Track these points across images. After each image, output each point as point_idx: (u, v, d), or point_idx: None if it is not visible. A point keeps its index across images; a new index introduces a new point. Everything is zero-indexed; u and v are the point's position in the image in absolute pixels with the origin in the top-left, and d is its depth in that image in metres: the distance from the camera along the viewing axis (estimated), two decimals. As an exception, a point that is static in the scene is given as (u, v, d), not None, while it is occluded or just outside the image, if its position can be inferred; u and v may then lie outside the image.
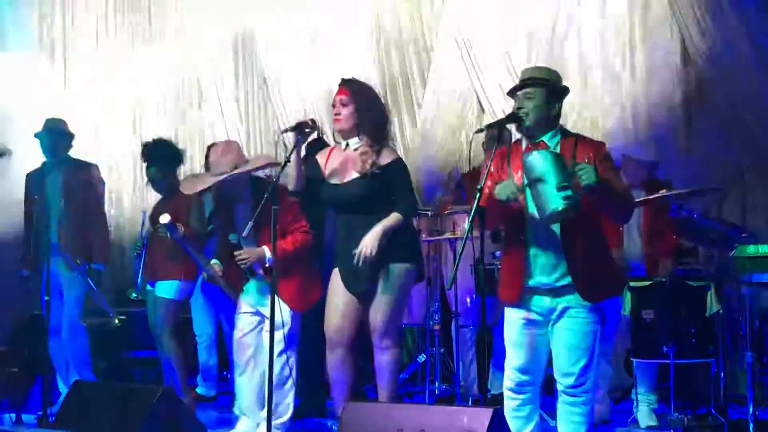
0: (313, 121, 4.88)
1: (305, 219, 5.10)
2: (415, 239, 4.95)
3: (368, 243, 4.65)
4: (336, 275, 4.87)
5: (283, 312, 4.89)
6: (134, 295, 6.04)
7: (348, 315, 4.80)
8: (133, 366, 7.41)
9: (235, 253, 5.04)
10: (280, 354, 4.94)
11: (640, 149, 6.30)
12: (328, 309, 4.87)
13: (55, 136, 6.42)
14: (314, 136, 4.94)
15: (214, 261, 5.30)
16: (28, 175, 6.52)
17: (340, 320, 4.81)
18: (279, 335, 4.89)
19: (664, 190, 5.46)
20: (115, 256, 7.16)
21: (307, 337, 5.36)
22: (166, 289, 5.87)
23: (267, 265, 4.98)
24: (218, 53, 8.96)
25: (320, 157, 4.96)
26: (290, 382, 5.02)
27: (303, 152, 4.86)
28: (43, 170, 6.41)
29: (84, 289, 6.24)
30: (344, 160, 4.82)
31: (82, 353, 6.33)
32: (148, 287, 5.95)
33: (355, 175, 4.75)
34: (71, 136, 6.52)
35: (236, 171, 5.01)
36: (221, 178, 5.00)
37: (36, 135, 6.44)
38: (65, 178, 6.36)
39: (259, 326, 5.12)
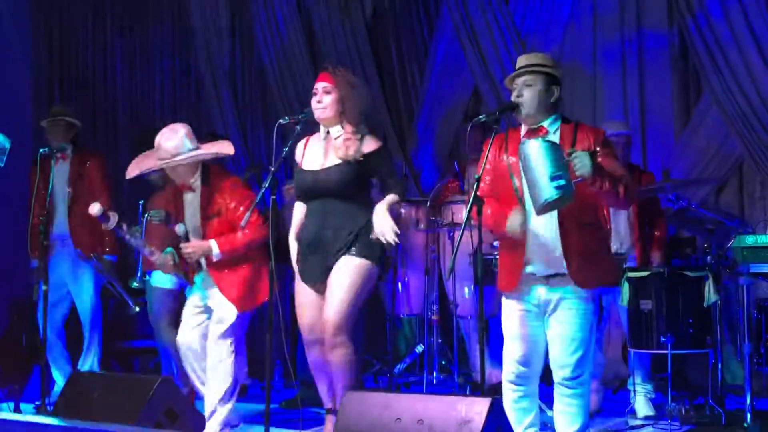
0: (310, 110, 4.82)
1: (259, 214, 4.90)
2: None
3: (384, 224, 4.44)
4: (297, 271, 4.72)
5: (229, 311, 4.85)
6: (135, 284, 6.04)
7: (317, 310, 4.61)
8: (132, 356, 7.42)
9: (181, 245, 4.91)
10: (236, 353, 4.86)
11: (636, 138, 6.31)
12: (297, 306, 4.71)
13: (58, 125, 6.40)
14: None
15: (167, 250, 5.08)
16: (33, 166, 6.46)
17: (310, 317, 4.63)
18: (221, 329, 4.86)
19: (661, 180, 5.47)
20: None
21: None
22: (163, 278, 5.88)
23: (214, 260, 4.85)
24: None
25: (298, 148, 4.83)
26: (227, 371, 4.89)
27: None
28: (49, 160, 6.34)
29: (97, 279, 6.25)
30: (324, 148, 4.69)
31: (97, 335, 6.37)
32: (147, 277, 5.95)
33: (335, 161, 4.61)
34: (76, 125, 6.50)
35: (178, 158, 4.82)
36: (163, 164, 4.82)
37: (41, 123, 6.43)
38: (72, 168, 6.34)
39: (204, 323, 5.00)
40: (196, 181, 4.98)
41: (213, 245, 4.84)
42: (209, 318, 4.98)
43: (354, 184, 4.61)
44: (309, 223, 4.68)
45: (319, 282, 4.61)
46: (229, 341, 4.88)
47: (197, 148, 4.91)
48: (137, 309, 6.25)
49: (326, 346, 4.52)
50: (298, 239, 4.73)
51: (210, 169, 5.02)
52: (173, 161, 4.84)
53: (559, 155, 3.81)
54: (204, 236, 4.91)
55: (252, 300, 4.97)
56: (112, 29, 9.52)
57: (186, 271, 5.06)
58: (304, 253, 4.67)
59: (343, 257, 4.55)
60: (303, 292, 4.68)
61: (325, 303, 4.54)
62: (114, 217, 5.08)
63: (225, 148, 5.08)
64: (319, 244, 4.60)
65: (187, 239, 4.95)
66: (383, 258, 4.67)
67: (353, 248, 4.55)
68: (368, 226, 4.57)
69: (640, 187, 5.36)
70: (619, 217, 5.57)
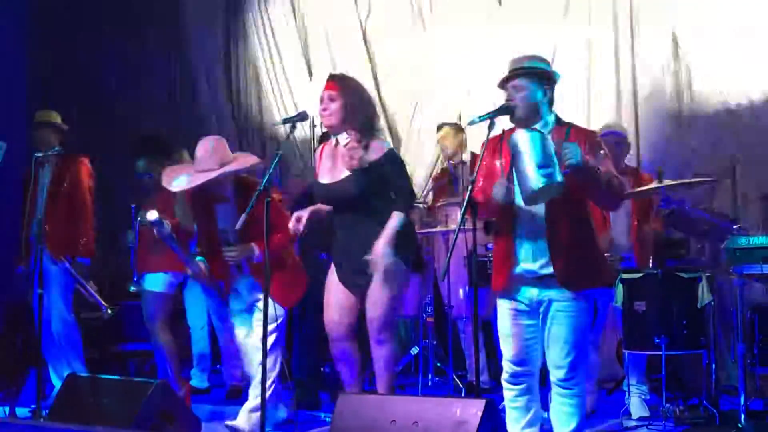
0: (305, 113, 4.87)
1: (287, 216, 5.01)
2: (411, 232, 4.93)
3: (381, 252, 4.60)
4: (333, 272, 4.87)
5: (276, 307, 4.97)
6: (132, 288, 6.03)
7: (346, 310, 4.82)
8: (127, 359, 7.41)
9: (224, 249, 5.04)
10: (273, 348, 4.98)
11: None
12: (327, 305, 4.87)
13: (44, 129, 6.39)
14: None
15: (198, 259, 5.30)
16: (27, 169, 6.42)
17: (339, 316, 4.82)
18: (269, 327, 4.91)
19: (655, 182, 5.48)
20: (109, 248, 7.12)
21: (300, 332, 5.38)
22: (154, 281, 5.89)
23: (255, 261, 4.98)
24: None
25: (316, 154, 4.96)
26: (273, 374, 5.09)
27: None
28: (35, 164, 6.37)
29: (69, 283, 6.21)
30: (334, 158, 4.79)
31: (74, 346, 6.30)
32: (141, 280, 5.95)
33: (345, 173, 4.71)
34: (61, 130, 6.49)
35: (224, 170, 4.96)
36: (211, 177, 4.94)
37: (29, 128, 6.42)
38: (54, 172, 6.33)
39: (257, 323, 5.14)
40: (227, 191, 5.07)
41: (254, 247, 4.97)
42: (252, 317, 5.15)
43: (366, 196, 4.69)
44: (338, 234, 4.86)
45: (354, 285, 4.78)
46: (274, 336, 5.05)
47: (232, 161, 5.03)
48: (110, 312, 6.22)
49: (372, 343, 4.77)
50: (331, 243, 4.91)
51: (242, 179, 5.13)
52: (222, 172, 4.93)
53: (548, 146, 3.82)
54: (242, 241, 5.01)
55: (295, 295, 5.18)
56: (107, 31, 9.52)
57: (220, 278, 5.24)
58: (338, 258, 4.85)
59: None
60: (334, 292, 4.84)
61: (368, 304, 4.73)
62: (168, 226, 5.23)
63: (256, 160, 5.23)
64: (350, 256, 4.74)
65: (161, 225, 5.13)
66: (417, 251, 4.93)
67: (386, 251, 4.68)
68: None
69: (633, 190, 5.37)
70: (619, 218, 5.60)
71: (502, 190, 3.96)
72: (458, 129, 6.79)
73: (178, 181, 5.13)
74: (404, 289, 4.92)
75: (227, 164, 5.00)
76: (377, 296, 4.73)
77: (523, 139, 3.84)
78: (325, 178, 4.82)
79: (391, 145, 4.85)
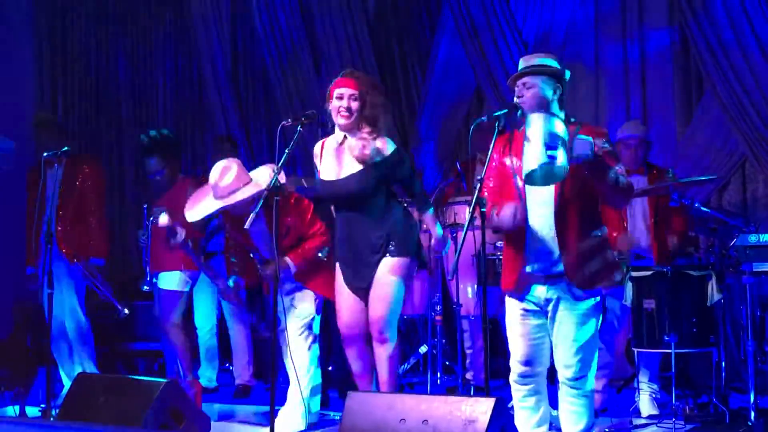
0: (313, 113, 4.84)
1: (319, 221, 5.13)
2: (414, 231, 4.90)
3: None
4: (339, 274, 4.88)
5: (311, 305, 5.12)
6: (146, 287, 6.03)
7: (356, 310, 4.84)
8: (136, 358, 7.43)
9: (260, 268, 5.13)
10: (315, 342, 5.15)
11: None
12: (338, 306, 4.91)
13: (49, 129, 6.39)
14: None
15: (232, 279, 5.42)
16: (29, 171, 6.44)
17: (350, 316, 4.85)
18: (304, 322, 5.13)
19: (669, 176, 5.48)
20: (118, 248, 7.14)
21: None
22: (169, 280, 5.89)
23: (293, 273, 5.06)
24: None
25: (315, 151, 4.90)
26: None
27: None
28: (44, 165, 6.34)
29: (81, 282, 6.22)
30: (338, 155, 4.76)
31: (86, 346, 6.30)
32: (155, 279, 5.95)
33: (351, 169, 4.69)
34: (65, 130, 6.48)
35: (239, 198, 4.89)
36: (224, 206, 4.92)
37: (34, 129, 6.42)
38: (65, 171, 6.33)
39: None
40: (255, 208, 4.98)
41: (289, 263, 5.03)
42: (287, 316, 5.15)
43: (373, 190, 4.70)
44: (340, 233, 4.84)
45: (358, 287, 4.79)
46: (308, 331, 5.17)
47: (249, 182, 4.95)
48: (126, 311, 6.24)
49: (374, 342, 4.76)
50: (334, 243, 4.93)
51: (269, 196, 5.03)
52: (238, 200, 4.89)
53: (559, 129, 3.81)
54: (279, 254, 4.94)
55: (330, 288, 5.11)
56: (114, 30, 9.54)
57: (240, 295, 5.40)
58: (343, 261, 4.85)
59: (382, 260, 4.72)
60: (343, 294, 4.87)
61: (371, 303, 4.74)
62: (182, 233, 5.21)
63: (265, 177, 5.02)
64: (353, 254, 4.76)
65: (172, 229, 5.15)
66: (420, 251, 4.88)
67: (390, 249, 4.72)
68: (398, 225, 4.73)
69: (642, 188, 5.36)
70: (636, 218, 5.59)
71: (510, 216, 3.99)
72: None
73: (195, 212, 5.08)
74: (408, 288, 4.92)
75: (241, 188, 4.92)
76: (379, 294, 4.73)
77: (536, 119, 3.84)
78: (329, 176, 4.79)
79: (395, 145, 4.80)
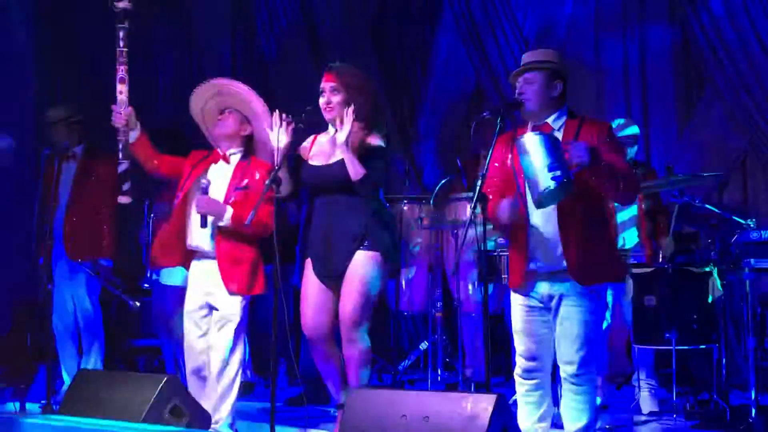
0: (311, 109, 4.80)
1: (270, 213, 4.72)
2: (390, 228, 4.72)
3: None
4: (309, 268, 4.68)
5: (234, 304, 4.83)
6: (147, 284, 6.01)
7: (323, 307, 4.61)
8: (136, 355, 7.43)
9: (197, 197, 4.84)
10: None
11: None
12: (303, 302, 4.68)
13: (63, 125, 6.37)
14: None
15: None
16: (37, 166, 6.38)
17: (316, 314, 4.61)
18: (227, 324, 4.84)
19: (664, 176, 5.48)
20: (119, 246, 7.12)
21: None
22: (173, 276, 5.87)
23: (221, 224, 4.77)
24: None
25: (304, 144, 4.81)
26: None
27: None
28: (53, 160, 6.30)
29: (94, 284, 6.21)
30: (330, 144, 4.67)
31: (96, 340, 6.27)
32: (155, 276, 5.94)
33: (340, 157, 4.55)
34: (78, 126, 6.46)
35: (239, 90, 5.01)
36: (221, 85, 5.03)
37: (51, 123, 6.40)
38: (80, 167, 6.30)
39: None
40: (236, 153, 4.93)
41: (228, 210, 4.76)
42: (210, 316, 4.95)
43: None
44: (316, 220, 4.67)
45: (329, 279, 4.61)
46: (232, 336, 4.88)
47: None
48: (138, 304, 6.21)
49: (343, 340, 4.55)
50: (306, 236, 4.71)
51: (257, 144, 4.95)
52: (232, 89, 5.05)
53: (556, 147, 3.82)
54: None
55: (251, 288, 4.88)
56: (114, 26, 9.52)
57: None
58: (315, 249, 4.65)
59: (356, 252, 4.54)
60: (310, 290, 4.66)
61: (342, 298, 4.55)
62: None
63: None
64: (328, 242, 4.58)
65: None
66: (395, 249, 4.69)
67: (365, 242, 4.54)
68: (376, 218, 4.58)
69: (644, 183, 5.36)
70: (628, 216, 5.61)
71: (508, 211, 3.98)
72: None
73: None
74: (380, 287, 4.67)
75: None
76: (349, 290, 4.53)
77: (529, 141, 3.83)
78: (316, 161, 4.69)
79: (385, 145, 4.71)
